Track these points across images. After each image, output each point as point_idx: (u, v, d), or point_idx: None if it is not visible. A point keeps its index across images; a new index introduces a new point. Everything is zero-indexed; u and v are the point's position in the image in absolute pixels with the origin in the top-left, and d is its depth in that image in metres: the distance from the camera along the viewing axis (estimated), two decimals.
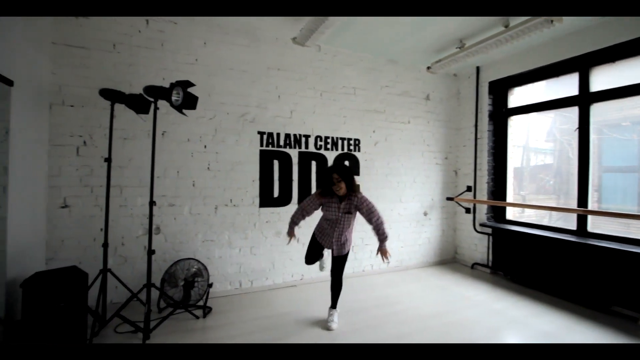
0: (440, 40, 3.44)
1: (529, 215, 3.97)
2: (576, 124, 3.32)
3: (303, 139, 3.51)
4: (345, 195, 2.47)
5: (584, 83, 3.27)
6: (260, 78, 3.31)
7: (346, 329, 2.52)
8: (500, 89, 4.06)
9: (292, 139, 3.46)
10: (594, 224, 3.26)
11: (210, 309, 2.80)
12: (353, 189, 2.47)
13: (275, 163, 3.39)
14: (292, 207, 3.44)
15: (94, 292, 2.45)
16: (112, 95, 2.41)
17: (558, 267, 3.19)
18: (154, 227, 2.90)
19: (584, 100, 3.26)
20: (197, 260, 2.87)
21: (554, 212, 3.66)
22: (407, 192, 4.13)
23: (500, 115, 4.07)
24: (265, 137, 3.34)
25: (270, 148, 3.36)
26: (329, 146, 3.65)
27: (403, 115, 4.08)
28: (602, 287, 2.88)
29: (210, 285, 2.84)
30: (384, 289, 3.43)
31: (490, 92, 4.07)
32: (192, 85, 2.38)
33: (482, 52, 3.24)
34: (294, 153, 3.47)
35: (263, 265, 3.34)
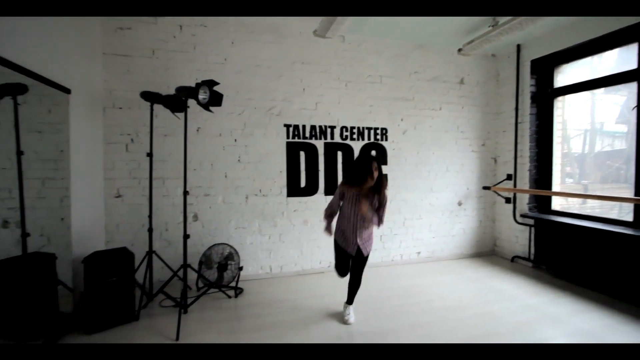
0: (472, 20, 3.24)
1: (592, 207, 3.56)
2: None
3: (328, 130, 3.58)
4: (371, 189, 2.36)
5: None
6: (285, 72, 3.42)
7: (362, 317, 2.55)
8: (544, 67, 3.71)
9: (317, 130, 3.54)
10: None
11: (241, 290, 3.04)
12: (383, 183, 2.37)
13: (302, 154, 3.51)
14: (319, 196, 3.55)
15: (144, 271, 2.81)
16: (150, 97, 2.70)
17: (608, 262, 2.89)
18: (192, 214, 3.22)
19: None
20: (229, 245, 3.12)
21: (624, 204, 3.24)
22: (439, 182, 4.00)
23: (545, 96, 3.72)
24: (291, 129, 3.47)
25: (296, 140, 3.48)
26: (354, 136, 3.67)
27: (434, 102, 3.93)
28: None
29: (240, 269, 3.08)
30: (410, 279, 3.40)
31: (533, 72, 3.73)
32: (216, 84, 2.57)
33: (518, 28, 2.99)
34: (319, 144, 3.55)
35: (292, 252, 3.51)
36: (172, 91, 3.00)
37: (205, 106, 2.57)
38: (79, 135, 2.60)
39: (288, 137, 3.46)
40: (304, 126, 3.50)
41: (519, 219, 3.86)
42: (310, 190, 3.54)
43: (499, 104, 4.16)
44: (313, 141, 3.53)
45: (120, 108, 3.02)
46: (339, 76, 3.59)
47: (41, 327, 2.20)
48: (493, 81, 4.17)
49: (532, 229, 3.68)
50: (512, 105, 3.92)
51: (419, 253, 3.96)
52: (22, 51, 2.03)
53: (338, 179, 3.62)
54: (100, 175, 2.97)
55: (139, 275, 2.76)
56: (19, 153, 2.31)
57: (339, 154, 3.62)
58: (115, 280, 2.39)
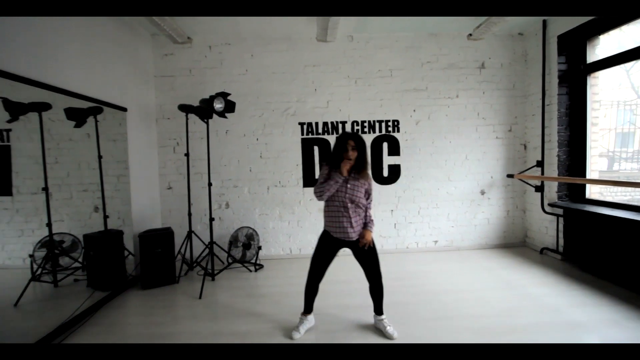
0: None
1: None
2: None
3: (340, 125, 3.88)
4: (356, 171, 2.14)
5: None
6: (298, 76, 3.82)
7: (346, 291, 2.85)
8: (574, 41, 3.37)
9: (329, 126, 3.87)
10: None
11: (262, 266, 3.60)
12: (365, 165, 2.15)
13: (315, 149, 3.88)
14: None
15: (189, 249, 3.57)
16: (185, 108, 3.39)
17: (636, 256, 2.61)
18: (224, 202, 3.89)
19: None
20: (252, 228, 3.70)
21: None
22: (457, 171, 3.95)
23: (577, 74, 3.38)
24: (305, 126, 3.87)
25: (310, 136, 3.87)
26: (365, 129, 3.89)
27: (449, 90, 3.89)
28: None
29: (259, 248, 3.64)
30: (416, 265, 3.52)
31: (560, 49, 3.42)
32: (229, 94, 3.12)
33: None
34: (331, 139, 3.88)
35: (309, 236, 3.93)
36: None
37: (221, 113, 3.14)
38: (137, 142, 3.43)
39: (302, 134, 3.87)
40: (316, 123, 3.87)
41: (547, 209, 3.61)
42: None
43: (527, 85, 3.88)
44: (325, 136, 3.88)
45: (168, 118, 3.81)
46: (348, 74, 3.84)
47: (113, 282, 3.06)
48: (520, 62, 3.91)
49: (561, 219, 3.43)
50: (540, 86, 3.64)
51: (436, 242, 4.00)
52: (90, 83, 2.84)
53: None
54: (156, 172, 3.82)
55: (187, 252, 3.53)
56: (99, 157, 3.19)
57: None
58: (160, 251, 3.15)
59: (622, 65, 3.09)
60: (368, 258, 2.22)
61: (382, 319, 2.21)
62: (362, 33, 3.79)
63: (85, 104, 2.96)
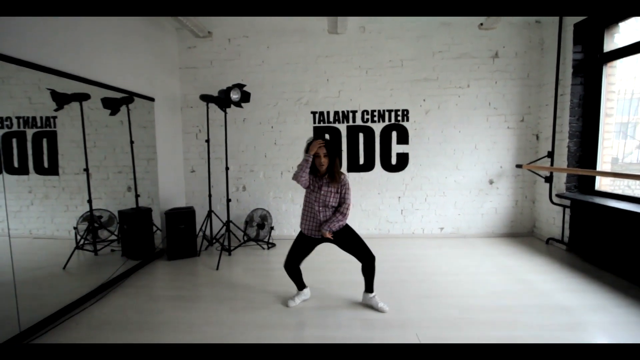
0: None
1: None
2: None
3: (350, 114, 4.03)
4: (329, 177, 2.23)
5: None
6: (311, 67, 3.99)
7: (346, 270, 3.07)
8: (592, 30, 3.29)
9: (340, 115, 4.04)
10: None
11: (274, 244, 3.90)
12: (335, 169, 2.22)
13: (327, 137, 4.08)
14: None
15: (207, 224, 3.93)
16: (205, 98, 3.68)
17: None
18: (242, 186, 4.21)
19: None
20: (266, 209, 4.00)
21: None
22: (466, 160, 4.02)
23: (593, 63, 3.32)
24: (317, 115, 4.06)
25: (321, 124, 4.07)
26: (375, 119, 4.02)
27: (460, 80, 3.91)
28: None
29: (272, 228, 3.94)
30: (419, 249, 3.67)
31: (576, 37, 3.35)
32: (244, 85, 3.36)
33: None
34: (342, 127, 4.05)
35: None
36: None
37: (237, 103, 3.40)
38: (164, 129, 3.78)
39: (315, 123, 4.07)
40: (328, 112, 4.04)
41: (555, 199, 3.62)
42: None
43: (542, 75, 3.83)
44: (336, 125, 4.05)
45: (191, 107, 4.13)
46: (359, 64, 3.96)
47: (143, 253, 3.47)
48: (537, 50, 3.85)
49: (568, 209, 3.44)
50: (555, 76, 3.59)
51: (442, 229, 4.13)
52: (121, 76, 3.18)
53: (360, 158, 4.07)
54: (181, 156, 4.18)
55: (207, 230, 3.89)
56: (131, 142, 3.57)
57: (360, 135, 4.05)
58: (183, 227, 3.52)
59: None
60: (348, 242, 2.33)
61: (373, 297, 2.36)
62: (374, 24, 3.87)
63: (119, 95, 3.32)
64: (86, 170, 3.13)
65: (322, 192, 2.25)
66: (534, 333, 2.04)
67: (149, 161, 3.81)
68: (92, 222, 3.25)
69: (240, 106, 3.46)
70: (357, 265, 2.43)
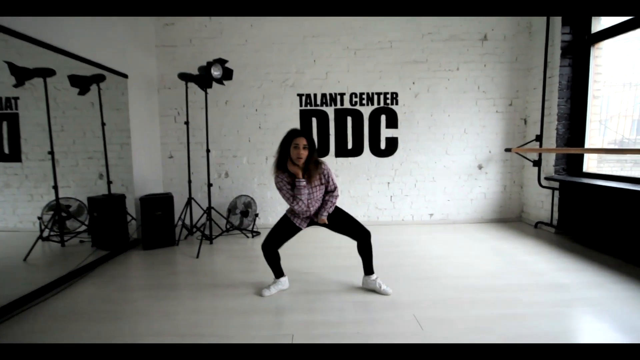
0: None
1: None
2: None
3: (338, 97, 3.89)
4: (307, 169, 2.02)
5: None
6: (298, 47, 3.82)
7: (341, 254, 2.94)
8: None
9: (327, 98, 3.88)
10: None
11: (258, 233, 3.70)
12: (312, 162, 2.02)
13: (314, 120, 3.92)
14: (330, 158, 3.93)
15: (189, 215, 3.68)
16: (184, 77, 3.43)
17: (634, 228, 2.62)
18: (224, 172, 3.98)
19: None
20: (250, 196, 3.79)
21: None
22: (455, 144, 3.95)
23: (581, 45, 3.31)
24: (303, 98, 3.89)
25: (308, 107, 3.90)
26: (364, 102, 3.90)
27: (450, 63, 3.84)
28: None
29: (257, 215, 3.74)
30: (410, 235, 3.57)
31: (565, 19, 3.33)
32: (226, 61, 3.15)
33: None
34: (330, 110, 3.90)
35: None
36: None
37: (219, 80, 3.19)
38: (139, 111, 3.51)
39: (301, 106, 3.90)
40: (315, 95, 3.88)
41: (544, 182, 3.61)
42: (322, 152, 3.94)
43: (530, 58, 3.81)
44: (324, 108, 3.90)
45: (169, 88, 3.87)
46: (347, 45, 3.82)
47: (116, 243, 3.20)
48: (524, 34, 3.83)
49: (557, 192, 3.43)
50: (543, 59, 3.57)
51: (431, 215, 4.05)
52: (90, 48, 2.90)
53: (348, 142, 3.93)
54: (157, 141, 3.91)
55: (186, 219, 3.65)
56: (103, 124, 3.29)
57: (349, 119, 3.91)
58: (160, 214, 3.27)
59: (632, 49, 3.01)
60: (340, 222, 2.19)
61: (375, 279, 2.18)
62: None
63: (88, 71, 3.03)
64: (51, 153, 2.83)
65: (308, 192, 2.05)
66: (534, 310, 1.95)
67: (122, 146, 3.53)
68: (59, 211, 2.96)
69: (222, 83, 3.25)
70: (347, 250, 2.28)
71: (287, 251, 2.40)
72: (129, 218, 3.46)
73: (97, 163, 3.38)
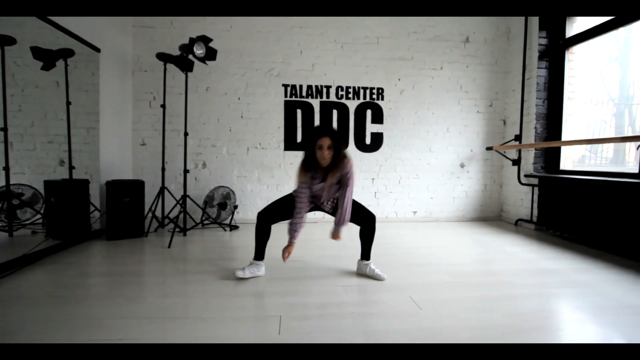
0: None
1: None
2: None
3: (324, 90, 3.82)
4: (332, 171, 1.90)
5: None
6: (284, 37, 3.74)
7: (329, 246, 2.78)
8: (555, 17, 3.47)
9: (313, 89, 3.81)
10: None
11: (237, 227, 3.47)
12: (341, 157, 1.89)
13: (299, 112, 3.81)
14: None
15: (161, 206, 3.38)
16: (163, 57, 3.23)
17: (609, 217, 2.68)
18: (201, 162, 3.74)
19: None
20: (228, 187, 3.57)
21: None
22: (439, 142, 3.98)
23: (557, 49, 3.48)
24: (289, 89, 3.79)
25: (293, 99, 3.79)
26: (350, 95, 3.85)
27: (434, 62, 3.92)
28: None
29: (235, 207, 3.51)
30: (395, 230, 3.49)
31: (542, 24, 3.51)
32: (210, 40, 3.00)
33: None
34: (315, 103, 3.82)
35: None
36: None
37: (202, 59, 3.02)
38: (110, 93, 3.25)
39: (286, 96, 3.79)
40: (300, 86, 3.79)
41: (523, 180, 3.68)
42: None
43: (509, 62, 3.97)
44: (309, 100, 3.81)
45: (146, 71, 3.63)
46: (335, 38, 3.80)
47: (75, 233, 2.85)
48: (503, 38, 3.99)
49: (536, 190, 3.50)
50: (521, 63, 3.72)
51: (415, 212, 4.00)
52: (64, 16, 2.65)
53: None
54: (129, 127, 3.62)
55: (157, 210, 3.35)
56: (68, 104, 3.00)
57: (334, 112, 3.84)
58: (128, 201, 2.97)
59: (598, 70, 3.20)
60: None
61: (369, 264, 2.08)
62: None
63: (54, 41, 2.77)
64: (3, 129, 2.52)
65: (323, 187, 1.95)
66: (531, 291, 1.89)
67: (89, 130, 3.24)
68: (9, 198, 2.61)
69: (205, 63, 3.08)
70: (332, 242, 2.12)
71: (274, 242, 2.21)
72: (92, 208, 3.12)
73: (59, 148, 3.06)
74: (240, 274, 1.97)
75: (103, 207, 3.10)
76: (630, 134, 3.17)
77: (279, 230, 2.26)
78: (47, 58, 2.90)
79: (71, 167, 3.02)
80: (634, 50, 3.23)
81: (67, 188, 2.85)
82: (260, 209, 2.07)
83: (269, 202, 3.35)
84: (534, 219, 3.54)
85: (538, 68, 3.54)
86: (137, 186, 3.05)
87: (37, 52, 2.82)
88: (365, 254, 2.12)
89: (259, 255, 2.06)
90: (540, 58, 3.53)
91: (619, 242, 2.58)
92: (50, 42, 2.76)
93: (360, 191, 3.90)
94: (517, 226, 3.75)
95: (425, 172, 3.99)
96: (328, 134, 1.83)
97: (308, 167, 1.90)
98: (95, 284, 1.93)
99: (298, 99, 3.80)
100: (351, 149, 3.87)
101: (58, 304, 1.63)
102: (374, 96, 3.88)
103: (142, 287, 1.90)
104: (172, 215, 3.36)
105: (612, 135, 3.44)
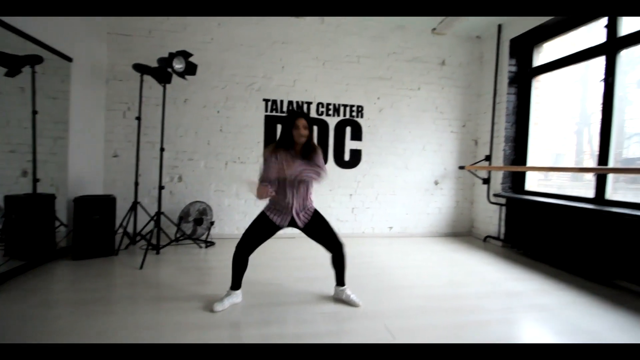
0: None
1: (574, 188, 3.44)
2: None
3: (305, 106, 3.84)
4: (303, 151, 2.00)
5: (612, 27, 2.82)
6: (266, 51, 3.74)
7: (297, 275, 2.81)
8: (524, 46, 3.69)
9: (294, 105, 3.82)
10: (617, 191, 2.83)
11: (213, 243, 3.41)
12: (312, 144, 2.02)
13: (279, 127, 3.81)
14: None
15: (133, 221, 3.27)
16: (140, 69, 3.13)
17: (567, 238, 2.88)
18: (177, 176, 3.65)
19: (611, 47, 2.82)
20: (205, 202, 3.50)
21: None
22: (415, 160, 4.11)
23: (525, 76, 3.70)
24: (269, 104, 3.78)
25: (274, 114, 3.79)
26: (330, 112, 3.90)
27: (412, 82, 4.05)
28: (609, 259, 2.54)
29: (212, 223, 3.45)
30: (369, 247, 3.56)
31: (512, 52, 3.72)
32: (191, 55, 2.95)
33: None
34: None
35: None
36: None
37: (181, 74, 2.96)
38: (82, 102, 3.10)
39: (266, 111, 3.78)
40: (281, 101, 3.80)
41: (492, 199, 3.87)
42: None
43: (481, 85, 4.17)
44: None
45: (121, 80, 3.51)
46: (317, 55, 3.84)
47: (38, 252, 2.69)
48: (476, 63, 4.19)
49: (504, 208, 3.69)
50: (492, 86, 3.93)
51: (390, 228, 4.10)
52: (33, 23, 2.52)
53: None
54: (101, 137, 3.48)
55: (129, 226, 3.23)
56: (34, 112, 2.84)
57: (315, 128, 3.87)
58: (98, 218, 2.85)
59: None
60: (319, 228, 2.09)
61: (345, 289, 2.12)
62: (333, 17, 3.82)
63: (22, 47, 2.62)
64: None
65: (292, 159, 1.97)
66: (497, 316, 2.00)
67: (56, 140, 3.08)
68: None
69: (185, 78, 3.02)
70: (311, 261, 2.16)
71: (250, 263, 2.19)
72: (57, 224, 2.96)
73: (22, 158, 2.89)
74: (218, 307, 1.95)
75: (70, 223, 2.95)
76: (588, 151, 3.43)
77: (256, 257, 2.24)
78: (12, 64, 2.75)
79: (35, 180, 2.86)
80: (592, 71, 3.48)
81: (30, 204, 2.69)
82: (237, 223, 2.05)
83: (247, 216, 3.34)
84: (502, 236, 3.73)
85: (508, 94, 3.74)
86: (107, 202, 2.93)
87: (1, 58, 2.66)
88: (340, 281, 2.15)
89: (236, 285, 2.05)
90: (510, 84, 3.74)
91: (577, 263, 2.77)
92: (17, 47, 2.61)
93: (338, 207, 3.95)
94: (486, 242, 3.93)
95: (402, 189, 4.10)
96: (304, 117, 2.00)
97: (282, 146, 1.99)
98: (59, 316, 1.84)
99: (279, 114, 3.80)
100: (330, 165, 3.91)
101: (19, 341, 1.54)
102: (354, 113, 3.95)
103: (112, 317, 1.83)
104: (145, 232, 3.26)
105: (573, 151, 3.69)
